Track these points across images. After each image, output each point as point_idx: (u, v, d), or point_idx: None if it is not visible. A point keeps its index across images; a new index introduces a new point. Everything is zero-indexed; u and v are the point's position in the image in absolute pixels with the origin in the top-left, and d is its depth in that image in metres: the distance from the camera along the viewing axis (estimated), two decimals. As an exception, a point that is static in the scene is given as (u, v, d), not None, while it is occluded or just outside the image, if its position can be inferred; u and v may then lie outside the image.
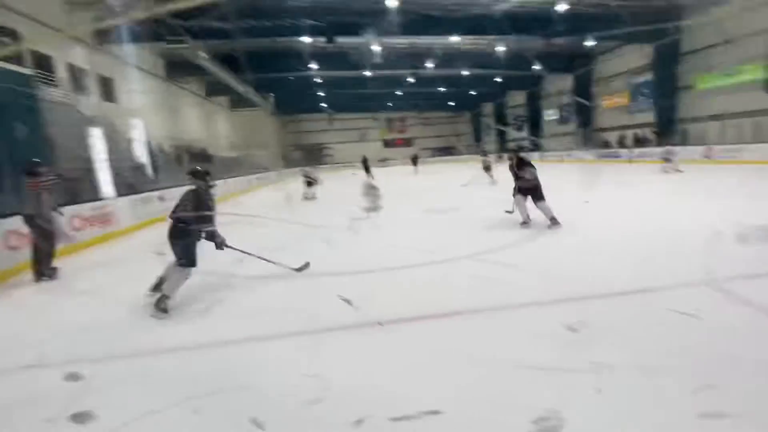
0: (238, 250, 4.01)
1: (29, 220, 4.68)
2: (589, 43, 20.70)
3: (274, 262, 4.25)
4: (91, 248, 6.73)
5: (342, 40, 17.00)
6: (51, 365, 2.67)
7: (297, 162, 36.08)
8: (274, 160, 29.02)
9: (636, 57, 20.84)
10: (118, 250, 6.71)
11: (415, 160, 25.52)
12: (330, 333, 2.94)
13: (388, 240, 5.94)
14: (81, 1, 12.33)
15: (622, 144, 21.78)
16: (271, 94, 27.13)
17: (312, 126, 40.96)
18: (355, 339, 2.84)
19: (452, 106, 38.94)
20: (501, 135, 35.48)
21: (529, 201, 5.92)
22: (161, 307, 3.34)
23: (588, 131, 25.24)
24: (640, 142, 20.46)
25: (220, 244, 3.72)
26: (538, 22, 16.10)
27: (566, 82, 26.09)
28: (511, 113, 34.72)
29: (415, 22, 15.65)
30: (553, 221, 5.67)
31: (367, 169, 17.86)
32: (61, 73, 11.89)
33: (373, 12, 14.88)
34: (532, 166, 5.92)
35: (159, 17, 12.34)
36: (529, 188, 5.87)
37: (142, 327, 3.23)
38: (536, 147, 29.77)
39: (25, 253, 4.98)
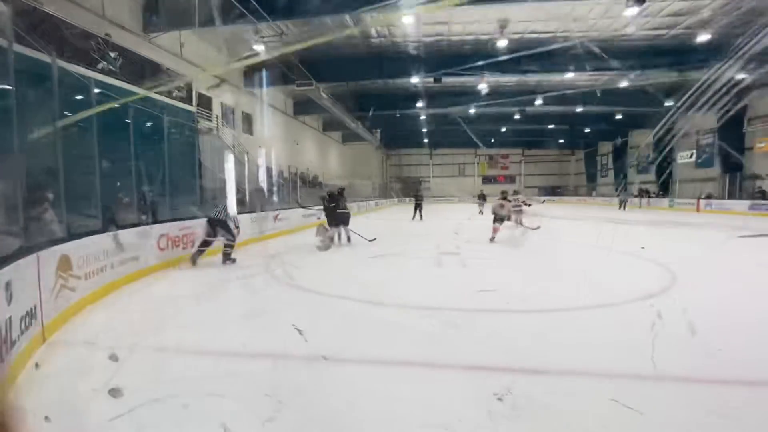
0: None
1: (220, 222, 6.79)
2: (741, 75, 17.82)
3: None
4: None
5: (449, 79, 17.61)
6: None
7: (396, 193, 37.67)
8: (375, 190, 30.70)
9: (808, 91, 17.21)
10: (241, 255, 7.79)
11: (482, 199, 20.17)
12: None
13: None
14: (237, 54, 15.20)
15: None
16: (378, 129, 29.10)
17: (413, 159, 42.50)
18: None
19: (563, 144, 36.73)
20: (621, 177, 32.05)
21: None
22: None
23: (737, 177, 21.26)
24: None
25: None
26: (672, 54, 14.56)
27: (708, 120, 22.65)
28: (634, 154, 31.22)
29: (526, 59, 15.48)
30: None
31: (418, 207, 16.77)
32: (216, 110, 14.63)
33: (482, 52, 15.22)
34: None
35: (290, 64, 14.50)
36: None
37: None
38: (665, 192, 26.15)
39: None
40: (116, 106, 6.35)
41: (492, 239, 8.97)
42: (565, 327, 3.74)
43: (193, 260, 6.67)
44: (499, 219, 8.95)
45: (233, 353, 3.16)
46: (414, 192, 19.30)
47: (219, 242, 7.00)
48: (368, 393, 2.54)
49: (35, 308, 3.22)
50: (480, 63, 14.76)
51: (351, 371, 2.87)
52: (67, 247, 4.06)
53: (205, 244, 6.84)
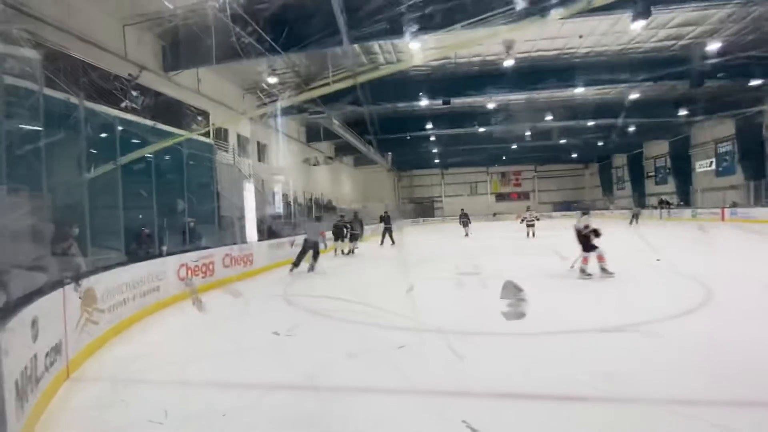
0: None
1: (312, 244, 8.99)
2: (756, 81, 17.53)
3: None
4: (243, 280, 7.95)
5: (457, 100, 17.79)
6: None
7: (408, 214, 37.65)
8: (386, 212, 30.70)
9: (829, 93, 16.76)
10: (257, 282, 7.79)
11: (465, 218, 18.88)
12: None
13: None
14: (251, 88, 15.74)
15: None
16: (389, 153, 29.39)
17: (424, 180, 42.52)
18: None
19: (575, 158, 36.33)
20: (638, 188, 31.45)
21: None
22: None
23: (762, 184, 20.55)
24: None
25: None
26: (683, 64, 14.43)
27: (726, 127, 22.21)
28: (650, 165, 30.68)
29: (534, 76, 15.57)
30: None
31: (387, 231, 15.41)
32: (232, 140, 15.04)
33: (489, 73, 15.40)
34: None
35: (306, 99, 14.95)
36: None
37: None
38: (686, 202, 25.45)
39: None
40: (138, 141, 6.55)
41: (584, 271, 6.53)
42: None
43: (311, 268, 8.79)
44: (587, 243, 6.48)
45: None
46: (383, 214, 16.17)
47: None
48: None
49: (60, 343, 3.22)
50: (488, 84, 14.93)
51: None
52: (92, 281, 4.11)
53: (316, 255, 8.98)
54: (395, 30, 9.98)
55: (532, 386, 2.83)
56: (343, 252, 12.98)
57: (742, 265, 7.72)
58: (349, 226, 13.24)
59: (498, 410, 2.55)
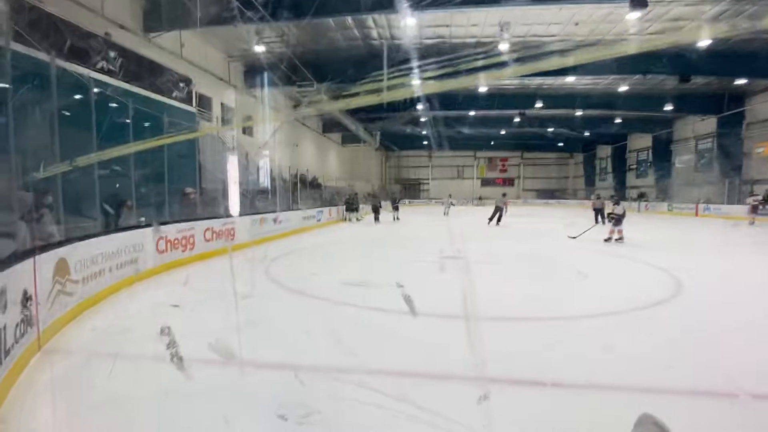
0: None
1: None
2: (741, 81, 17.88)
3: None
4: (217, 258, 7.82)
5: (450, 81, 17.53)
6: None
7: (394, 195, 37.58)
8: (373, 191, 30.54)
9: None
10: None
11: (393, 203, 19.93)
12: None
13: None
14: (237, 55, 15.10)
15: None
16: (378, 132, 28.97)
17: (411, 161, 42.36)
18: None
19: (561, 147, 36.72)
20: (619, 180, 32.13)
21: None
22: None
23: (736, 182, 21.29)
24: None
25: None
26: (672, 60, 14.55)
27: (707, 125, 22.72)
28: (632, 157, 31.30)
29: (527, 63, 15.43)
30: None
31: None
32: (216, 110, 14.51)
33: (484, 54, 15.16)
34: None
35: (292, 65, 14.43)
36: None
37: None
38: (664, 196, 26.19)
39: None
40: (116, 106, 6.25)
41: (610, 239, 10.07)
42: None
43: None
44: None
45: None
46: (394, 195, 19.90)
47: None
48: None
49: (31, 315, 3.11)
50: (481, 65, 14.69)
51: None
52: (65, 251, 3.94)
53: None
54: (389, 3, 9.67)
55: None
56: (357, 219, 17.83)
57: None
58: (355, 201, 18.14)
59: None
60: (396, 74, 11.90)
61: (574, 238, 10.61)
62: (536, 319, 4.15)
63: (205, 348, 3.18)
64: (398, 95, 12.83)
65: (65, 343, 3.44)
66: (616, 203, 10.38)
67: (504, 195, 17.80)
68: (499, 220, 15.34)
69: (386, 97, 8.34)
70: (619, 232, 10.09)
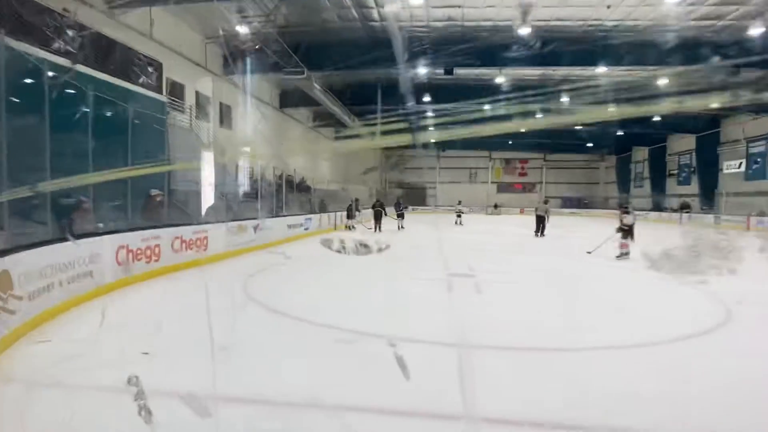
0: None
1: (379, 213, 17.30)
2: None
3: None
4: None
5: (461, 71, 17.68)
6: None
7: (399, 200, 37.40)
8: (372, 197, 30.48)
9: None
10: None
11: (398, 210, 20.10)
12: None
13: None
14: (216, 36, 15.22)
15: None
16: (376, 125, 29.06)
17: (416, 162, 41.95)
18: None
19: (591, 148, 36.65)
20: (658, 188, 32.14)
21: None
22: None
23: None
24: None
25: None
26: (720, 49, 14.66)
27: (760, 124, 22.83)
28: (673, 162, 31.37)
29: (552, 51, 15.56)
30: None
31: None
32: (190, 99, 14.57)
33: (501, 40, 15.29)
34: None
35: (279, 49, 14.53)
36: None
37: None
38: (709, 206, 26.10)
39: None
40: (74, 92, 6.27)
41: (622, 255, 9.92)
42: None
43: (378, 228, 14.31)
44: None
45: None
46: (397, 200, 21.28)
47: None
48: None
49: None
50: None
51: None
52: (8, 262, 3.92)
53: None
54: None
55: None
56: (352, 227, 18.25)
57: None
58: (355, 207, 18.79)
59: None
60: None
61: (590, 253, 10.55)
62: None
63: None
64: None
65: (4, 369, 3.39)
66: (626, 212, 10.22)
67: (546, 202, 17.90)
68: (543, 230, 15.46)
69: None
70: (624, 245, 9.88)
